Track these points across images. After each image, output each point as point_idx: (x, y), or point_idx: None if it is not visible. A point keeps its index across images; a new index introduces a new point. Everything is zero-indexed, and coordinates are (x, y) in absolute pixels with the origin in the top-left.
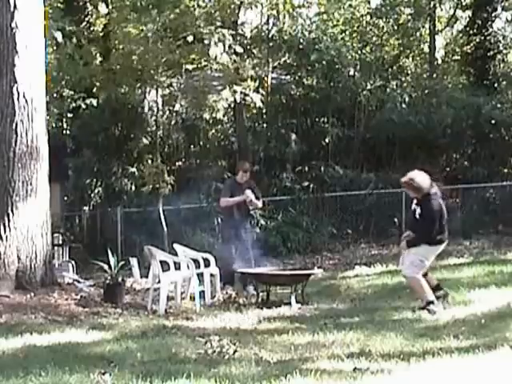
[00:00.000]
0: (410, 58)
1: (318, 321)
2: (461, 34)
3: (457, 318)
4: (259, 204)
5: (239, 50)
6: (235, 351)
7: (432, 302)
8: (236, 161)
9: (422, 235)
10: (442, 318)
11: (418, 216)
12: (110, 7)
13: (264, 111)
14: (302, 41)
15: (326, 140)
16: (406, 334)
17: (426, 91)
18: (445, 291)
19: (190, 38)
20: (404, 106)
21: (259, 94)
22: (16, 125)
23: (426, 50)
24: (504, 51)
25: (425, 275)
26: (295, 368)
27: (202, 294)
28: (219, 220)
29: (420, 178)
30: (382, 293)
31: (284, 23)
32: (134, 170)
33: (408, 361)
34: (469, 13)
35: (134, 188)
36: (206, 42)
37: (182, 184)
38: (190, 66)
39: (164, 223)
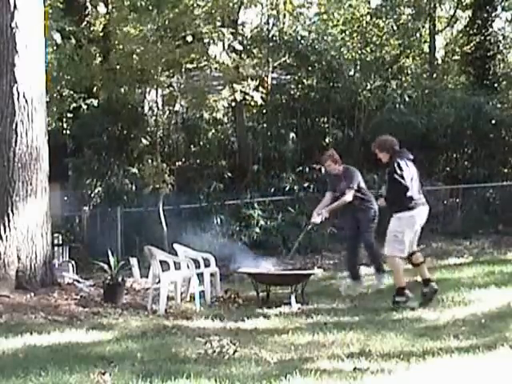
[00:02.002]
0: (410, 58)
1: (318, 321)
2: (461, 34)
3: (457, 317)
4: (318, 220)
5: (238, 47)
6: (235, 351)
7: (403, 290)
8: (236, 161)
9: (394, 194)
10: (442, 318)
11: (387, 179)
12: (110, 7)
13: (264, 111)
14: (302, 41)
15: (326, 140)
16: (406, 334)
17: (426, 91)
18: (433, 288)
19: (190, 38)
20: (404, 106)
21: (259, 92)
22: (16, 125)
23: (426, 50)
24: (504, 51)
25: (412, 254)
26: (295, 368)
27: (201, 293)
28: (219, 220)
29: (391, 138)
30: (382, 293)
31: (284, 23)
32: (134, 170)
33: (408, 361)
34: (469, 13)
35: (134, 188)
36: (205, 41)
37: (182, 184)
38: (189, 66)
39: (164, 223)
